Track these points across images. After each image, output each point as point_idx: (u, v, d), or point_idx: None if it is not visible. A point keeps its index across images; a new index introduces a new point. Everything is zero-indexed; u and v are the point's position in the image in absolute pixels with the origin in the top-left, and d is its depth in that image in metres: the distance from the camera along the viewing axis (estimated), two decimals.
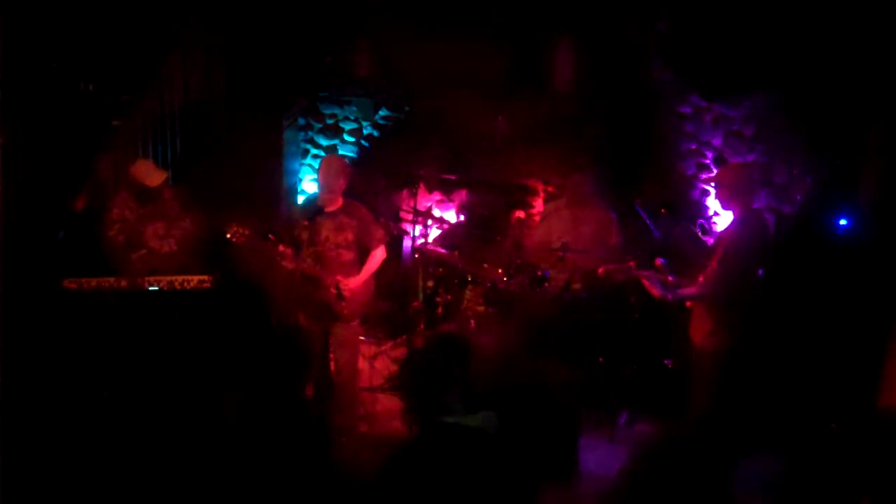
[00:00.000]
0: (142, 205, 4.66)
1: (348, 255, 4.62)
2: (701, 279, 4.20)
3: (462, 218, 6.89)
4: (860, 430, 3.98)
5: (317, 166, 7.10)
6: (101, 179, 5.62)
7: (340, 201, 4.64)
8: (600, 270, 4.83)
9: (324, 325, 4.64)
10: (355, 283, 4.59)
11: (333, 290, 4.52)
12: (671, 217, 5.45)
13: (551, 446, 2.45)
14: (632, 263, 4.50)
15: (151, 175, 4.68)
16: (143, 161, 5.09)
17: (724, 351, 4.07)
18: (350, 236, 4.61)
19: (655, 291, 4.23)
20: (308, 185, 7.17)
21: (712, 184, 4.37)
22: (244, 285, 4.51)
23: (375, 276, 4.81)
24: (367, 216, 4.73)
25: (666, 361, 5.24)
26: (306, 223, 4.55)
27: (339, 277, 4.54)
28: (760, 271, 4.30)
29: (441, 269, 5.83)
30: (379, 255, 4.73)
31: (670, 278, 4.28)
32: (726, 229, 4.28)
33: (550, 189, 6.84)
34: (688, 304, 4.37)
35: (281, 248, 4.45)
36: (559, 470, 2.43)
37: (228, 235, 4.35)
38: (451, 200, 7.02)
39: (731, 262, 4.01)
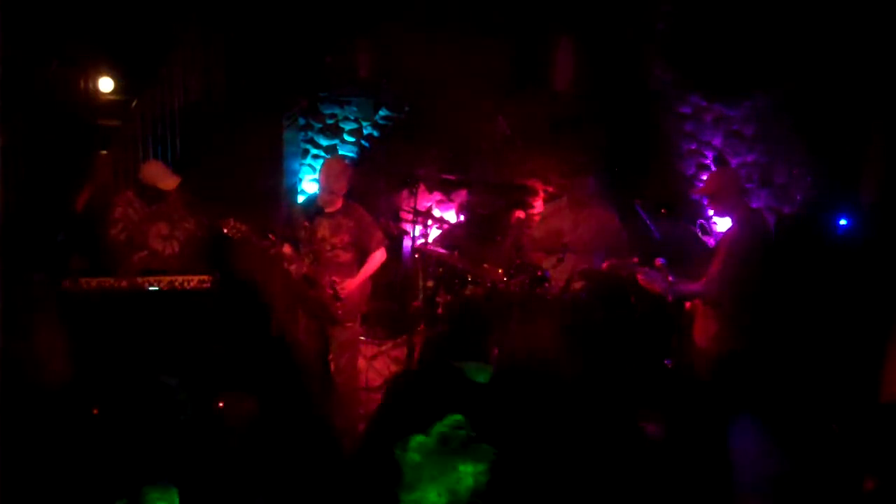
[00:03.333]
0: (147, 205, 4.65)
1: (345, 256, 4.62)
2: (703, 281, 4.19)
3: (462, 218, 6.89)
4: (860, 430, 3.98)
5: (318, 167, 7.12)
6: (101, 180, 5.62)
7: (340, 203, 4.64)
8: (604, 265, 4.83)
9: (321, 324, 4.64)
10: (352, 284, 4.59)
11: (330, 291, 4.52)
12: (671, 217, 5.45)
13: None
14: (636, 259, 4.49)
15: (165, 178, 4.65)
16: (154, 162, 5.08)
17: (729, 352, 4.07)
18: (347, 238, 4.60)
19: (657, 286, 4.22)
20: (308, 185, 7.17)
21: (703, 198, 4.31)
22: (244, 285, 4.51)
23: (373, 277, 4.80)
24: (366, 218, 4.72)
25: (666, 361, 5.23)
26: (306, 223, 4.55)
27: (335, 278, 4.53)
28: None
29: (441, 269, 5.82)
30: (378, 257, 4.72)
31: (670, 278, 4.28)
32: (728, 231, 4.27)
33: (550, 189, 6.84)
34: (687, 305, 4.36)
35: (282, 247, 4.45)
36: None
37: (225, 230, 4.34)
38: (451, 200, 7.02)
39: (735, 264, 4.00)
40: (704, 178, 5.98)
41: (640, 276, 4.28)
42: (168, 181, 4.64)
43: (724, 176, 4.43)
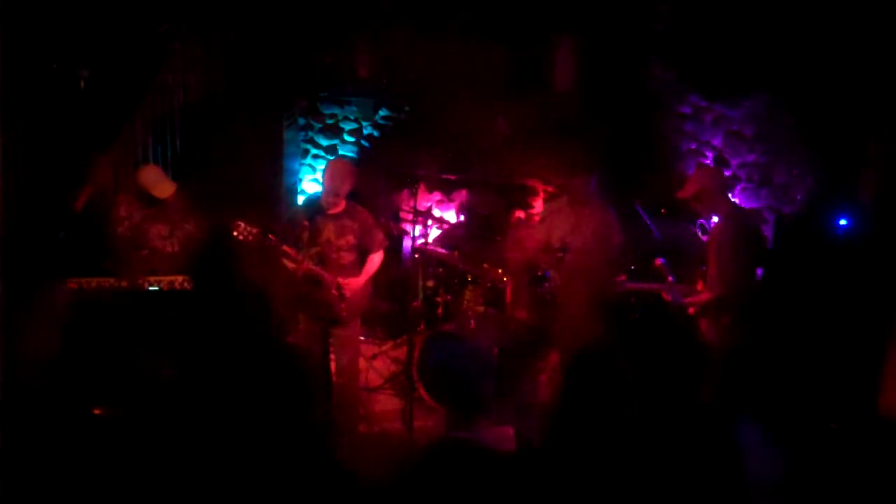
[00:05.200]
0: (146, 206, 4.66)
1: (348, 258, 4.63)
2: (700, 286, 4.19)
3: (462, 218, 6.89)
4: (860, 430, 3.98)
5: (319, 167, 7.12)
6: (102, 179, 5.62)
7: (343, 204, 4.64)
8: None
9: (324, 325, 4.65)
10: (356, 283, 4.59)
11: (335, 291, 4.53)
12: (671, 217, 5.45)
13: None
14: (623, 277, 4.51)
15: (160, 185, 4.64)
16: (150, 168, 5.07)
17: (730, 351, 4.08)
18: (351, 239, 4.61)
19: (678, 299, 4.22)
20: (308, 185, 7.17)
21: (689, 199, 4.31)
22: (244, 286, 4.50)
23: (373, 277, 4.82)
24: (369, 220, 4.72)
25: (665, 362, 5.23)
26: (307, 223, 4.54)
27: (339, 279, 4.54)
28: (759, 271, 4.31)
29: (441, 269, 5.83)
30: (377, 259, 4.74)
31: (670, 278, 4.28)
32: (713, 230, 4.29)
33: (550, 189, 6.84)
34: (691, 311, 4.37)
35: (284, 248, 4.46)
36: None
37: (235, 233, 4.34)
38: (451, 200, 7.02)
39: (728, 261, 4.02)
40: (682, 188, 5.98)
41: (665, 295, 4.29)
42: (162, 189, 4.64)
43: (703, 176, 4.44)
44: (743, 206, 5.74)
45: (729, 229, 4.10)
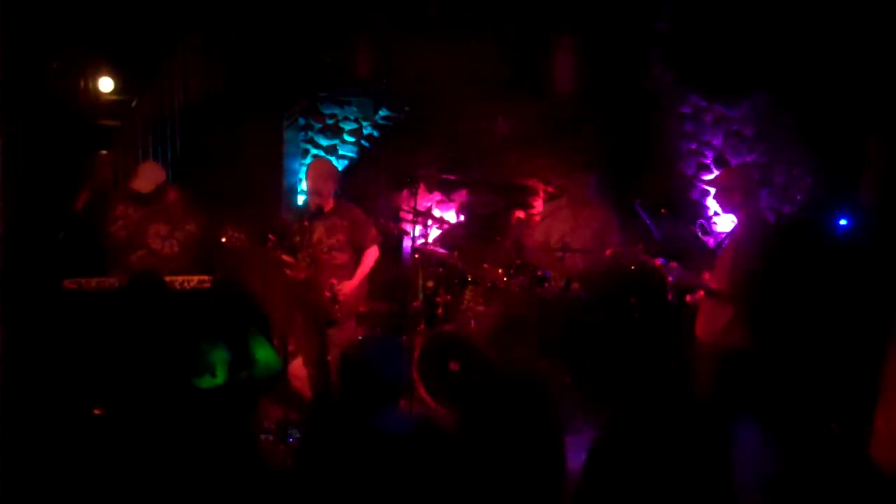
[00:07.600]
0: (143, 204, 4.66)
1: (341, 257, 4.63)
2: (707, 276, 4.20)
3: (462, 218, 6.89)
4: (860, 432, 3.99)
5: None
6: (101, 179, 5.62)
7: (331, 203, 4.65)
8: (608, 252, 4.86)
9: (320, 326, 4.65)
10: (349, 286, 4.60)
11: (328, 294, 4.53)
12: (671, 217, 5.45)
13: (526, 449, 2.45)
14: (640, 246, 4.53)
15: (143, 180, 4.66)
16: (146, 164, 5.08)
17: (733, 350, 4.08)
18: (342, 238, 4.61)
19: (683, 278, 4.22)
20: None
21: (713, 190, 4.33)
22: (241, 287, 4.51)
23: (370, 275, 4.82)
24: (360, 216, 4.73)
25: (665, 361, 5.24)
26: (307, 223, 4.55)
27: (332, 280, 4.54)
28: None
29: (441, 269, 5.83)
30: (372, 254, 4.74)
31: (670, 279, 4.28)
32: (735, 229, 4.28)
33: (550, 189, 6.84)
34: (688, 298, 4.37)
35: (279, 253, 4.46)
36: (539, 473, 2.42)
37: (224, 240, 4.36)
38: (451, 200, 7.02)
39: (748, 263, 4.02)
40: (715, 173, 5.97)
41: (667, 276, 4.30)
42: (142, 183, 4.63)
43: (739, 173, 4.44)
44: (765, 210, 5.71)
45: (754, 237, 4.11)
